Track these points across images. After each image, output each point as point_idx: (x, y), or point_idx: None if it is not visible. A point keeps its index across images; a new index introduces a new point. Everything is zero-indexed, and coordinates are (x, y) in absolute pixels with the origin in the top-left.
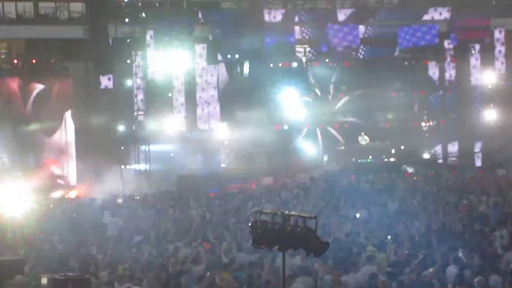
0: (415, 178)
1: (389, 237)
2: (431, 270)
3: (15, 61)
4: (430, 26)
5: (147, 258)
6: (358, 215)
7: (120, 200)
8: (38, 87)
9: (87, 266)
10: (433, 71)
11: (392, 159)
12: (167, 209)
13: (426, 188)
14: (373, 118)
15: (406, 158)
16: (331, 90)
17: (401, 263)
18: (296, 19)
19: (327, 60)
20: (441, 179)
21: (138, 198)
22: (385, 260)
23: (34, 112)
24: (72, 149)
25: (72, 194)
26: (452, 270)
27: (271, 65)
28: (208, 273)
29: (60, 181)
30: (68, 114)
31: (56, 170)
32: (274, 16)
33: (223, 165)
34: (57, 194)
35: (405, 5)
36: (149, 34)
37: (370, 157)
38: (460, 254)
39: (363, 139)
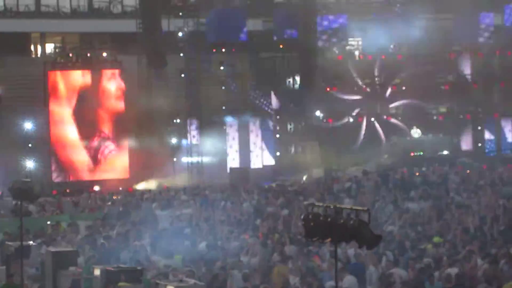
0: (468, 171)
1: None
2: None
3: (70, 55)
4: None
5: (199, 250)
6: (411, 208)
7: (172, 193)
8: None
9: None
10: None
11: (445, 152)
12: (220, 201)
13: (480, 181)
14: (425, 111)
15: (459, 151)
16: (384, 83)
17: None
18: None
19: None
20: (494, 172)
21: (190, 190)
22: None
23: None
24: (126, 142)
25: (125, 187)
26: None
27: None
28: (261, 266)
29: (113, 174)
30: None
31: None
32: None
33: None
34: (111, 186)
35: None
36: (202, 28)
37: (423, 150)
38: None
39: (416, 132)
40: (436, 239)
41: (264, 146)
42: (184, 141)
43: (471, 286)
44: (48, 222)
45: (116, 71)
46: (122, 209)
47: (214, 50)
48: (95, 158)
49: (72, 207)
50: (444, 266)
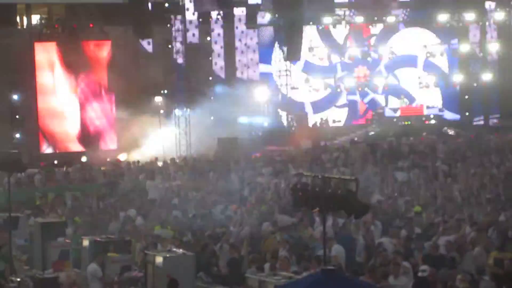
0: (456, 140)
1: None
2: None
3: (56, 26)
4: None
5: (187, 220)
6: (398, 178)
7: (160, 163)
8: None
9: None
10: (474, 33)
11: (432, 121)
12: (208, 172)
13: (467, 150)
14: (412, 81)
15: (446, 120)
16: (371, 52)
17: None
18: None
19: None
20: (482, 141)
21: (178, 161)
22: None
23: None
24: (113, 113)
25: (112, 157)
26: (492, 233)
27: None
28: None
29: (101, 144)
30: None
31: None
32: None
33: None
34: (98, 157)
35: None
36: None
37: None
38: (502, 218)
39: (403, 102)
40: (416, 208)
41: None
42: (171, 112)
43: (460, 254)
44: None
45: (107, 42)
46: (110, 180)
47: (201, 20)
48: (83, 129)
49: (62, 178)
50: (433, 234)
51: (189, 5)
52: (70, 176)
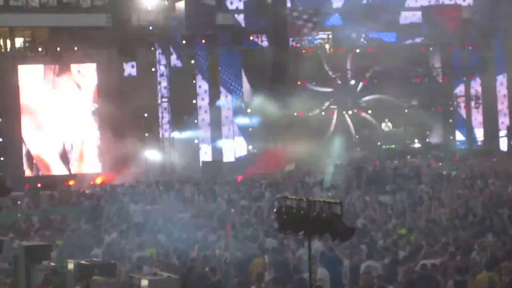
0: (440, 164)
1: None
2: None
3: (39, 49)
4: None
5: (171, 244)
6: (382, 201)
7: (144, 187)
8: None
9: (113, 252)
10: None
11: (416, 145)
12: (193, 196)
13: (452, 173)
14: (396, 105)
15: (431, 144)
16: (353, 76)
17: (422, 248)
18: None
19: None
20: (466, 165)
21: (161, 185)
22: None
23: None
24: (97, 136)
25: (98, 180)
26: (476, 256)
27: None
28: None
29: (85, 168)
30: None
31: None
32: None
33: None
34: (82, 180)
35: None
36: (173, 21)
37: (394, 143)
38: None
39: (386, 126)
40: (401, 231)
41: (236, 140)
42: (156, 135)
43: (444, 277)
44: (19, 215)
45: (92, 65)
46: (95, 203)
47: (184, 42)
48: (68, 152)
49: (47, 202)
50: (418, 257)
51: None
52: (54, 199)
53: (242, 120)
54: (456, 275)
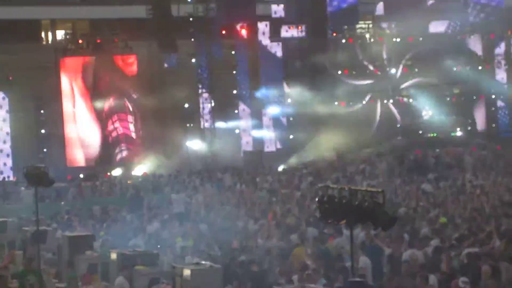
0: (482, 152)
1: None
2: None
3: (80, 41)
4: None
5: (213, 234)
6: (425, 189)
7: (185, 177)
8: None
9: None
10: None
11: (459, 133)
12: (234, 185)
13: (494, 161)
14: (438, 93)
15: (473, 132)
16: (395, 65)
17: (466, 236)
18: None
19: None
20: (508, 153)
21: (202, 175)
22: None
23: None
24: (139, 126)
25: (139, 170)
26: None
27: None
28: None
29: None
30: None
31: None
32: None
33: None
34: (125, 170)
35: None
36: (212, 11)
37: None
38: None
39: (427, 114)
40: (442, 219)
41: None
42: (197, 126)
43: (491, 266)
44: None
45: (132, 57)
46: (137, 193)
47: (224, 32)
48: (109, 143)
49: (90, 192)
50: (463, 246)
51: (214, 19)
52: (97, 189)
53: (282, 110)
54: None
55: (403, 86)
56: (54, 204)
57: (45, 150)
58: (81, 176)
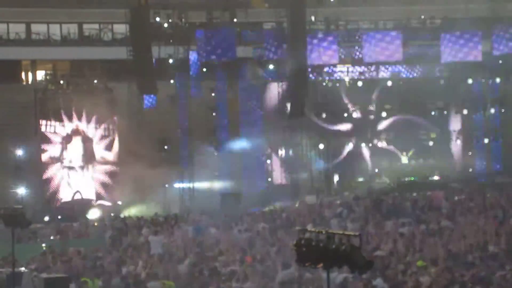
0: (457, 197)
1: None
2: None
3: (60, 82)
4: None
5: (191, 275)
6: (402, 232)
7: (162, 219)
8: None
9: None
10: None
11: (436, 177)
12: (211, 228)
13: (471, 205)
14: (416, 137)
15: (450, 176)
16: (374, 109)
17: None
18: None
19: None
20: (484, 197)
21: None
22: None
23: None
24: (117, 168)
25: (117, 213)
26: None
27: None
28: None
29: (105, 199)
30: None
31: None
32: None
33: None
34: (101, 212)
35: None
36: (193, 54)
37: (413, 175)
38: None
39: (406, 158)
40: (419, 263)
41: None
42: (175, 167)
43: None
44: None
45: (112, 98)
46: (114, 235)
47: (204, 70)
48: (88, 183)
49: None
50: None
51: (194, 61)
52: (73, 231)
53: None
54: None
55: (381, 128)
56: (31, 245)
57: (22, 190)
58: (59, 217)
